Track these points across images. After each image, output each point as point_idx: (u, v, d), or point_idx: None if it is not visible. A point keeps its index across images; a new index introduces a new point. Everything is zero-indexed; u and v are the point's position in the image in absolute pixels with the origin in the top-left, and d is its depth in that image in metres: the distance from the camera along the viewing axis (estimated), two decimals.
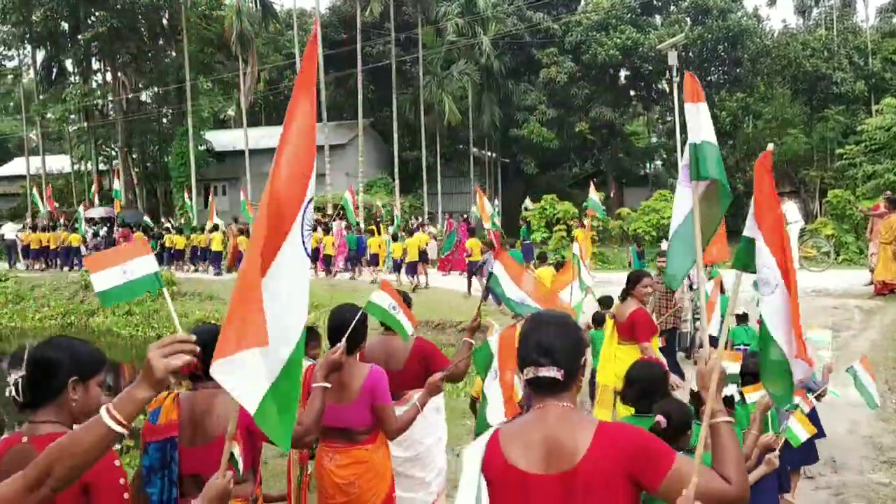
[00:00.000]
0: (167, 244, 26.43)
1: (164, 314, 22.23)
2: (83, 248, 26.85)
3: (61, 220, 30.14)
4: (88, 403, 2.49)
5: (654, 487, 2.08)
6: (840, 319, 12.49)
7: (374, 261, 21.60)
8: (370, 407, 3.71)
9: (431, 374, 4.11)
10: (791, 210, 20.16)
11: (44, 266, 27.88)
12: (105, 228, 28.81)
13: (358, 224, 25.19)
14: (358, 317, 3.75)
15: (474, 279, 18.00)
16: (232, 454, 2.43)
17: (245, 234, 25.05)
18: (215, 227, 26.17)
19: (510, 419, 2.44)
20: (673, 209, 2.92)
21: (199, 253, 25.83)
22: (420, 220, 27.71)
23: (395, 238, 21.48)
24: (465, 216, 23.68)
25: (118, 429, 2.04)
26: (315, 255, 23.00)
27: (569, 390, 2.23)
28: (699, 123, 2.88)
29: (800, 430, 4.45)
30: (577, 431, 2.14)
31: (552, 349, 2.20)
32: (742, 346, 8.19)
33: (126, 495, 2.51)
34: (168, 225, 29.73)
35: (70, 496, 2.32)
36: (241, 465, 2.73)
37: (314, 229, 23.70)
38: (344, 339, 3.51)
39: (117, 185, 30.47)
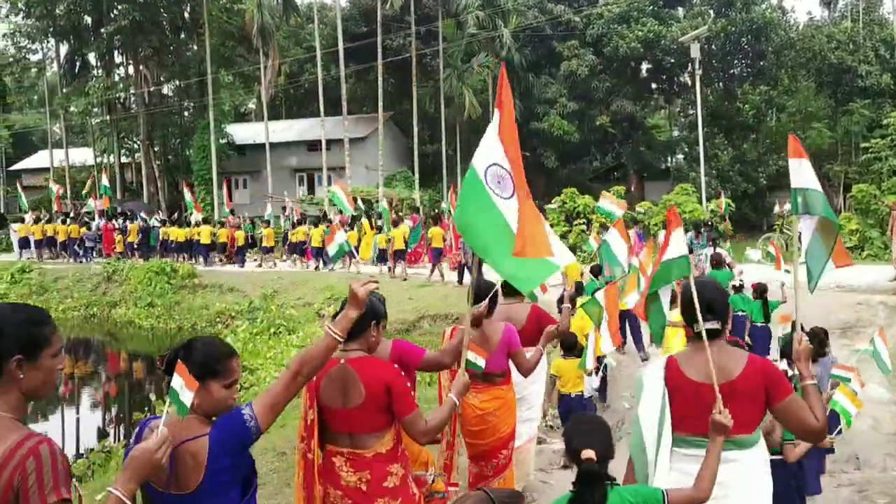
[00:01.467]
0: (163, 237, 26.86)
1: (184, 306, 22.41)
2: (86, 241, 27.57)
3: (71, 213, 30.63)
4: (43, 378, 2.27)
5: (775, 402, 3.15)
6: (864, 315, 12.35)
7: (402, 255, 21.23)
8: (507, 354, 4.87)
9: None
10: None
11: (52, 256, 28.43)
12: (104, 221, 29.24)
13: (365, 213, 25.33)
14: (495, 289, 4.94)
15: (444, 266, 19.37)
16: (468, 359, 3.81)
17: (239, 229, 25.90)
18: (206, 221, 27.00)
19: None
20: (803, 239, 3.87)
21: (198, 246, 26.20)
22: (401, 212, 27.60)
23: (379, 230, 22.00)
24: (437, 211, 23.57)
25: (338, 338, 2.90)
26: (301, 248, 23.88)
27: (723, 336, 3.31)
28: (802, 176, 3.83)
29: (848, 405, 4.70)
30: (734, 359, 3.24)
31: (717, 304, 3.29)
32: (740, 313, 8.93)
33: (413, 394, 3.52)
34: (164, 218, 29.96)
35: (380, 391, 3.37)
36: (482, 364, 4.00)
37: (301, 223, 24.82)
38: (487, 300, 4.78)
39: (105, 180, 30.80)
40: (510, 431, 5.01)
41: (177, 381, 2.49)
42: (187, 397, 2.48)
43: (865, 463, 6.97)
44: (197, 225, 26.37)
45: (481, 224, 3.58)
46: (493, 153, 3.78)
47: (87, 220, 29.27)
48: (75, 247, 27.90)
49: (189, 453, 2.58)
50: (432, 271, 19.37)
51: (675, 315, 5.16)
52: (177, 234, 26.35)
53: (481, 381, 4.78)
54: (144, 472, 2.30)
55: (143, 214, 30.14)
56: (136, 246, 27.05)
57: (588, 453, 2.70)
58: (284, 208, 28.77)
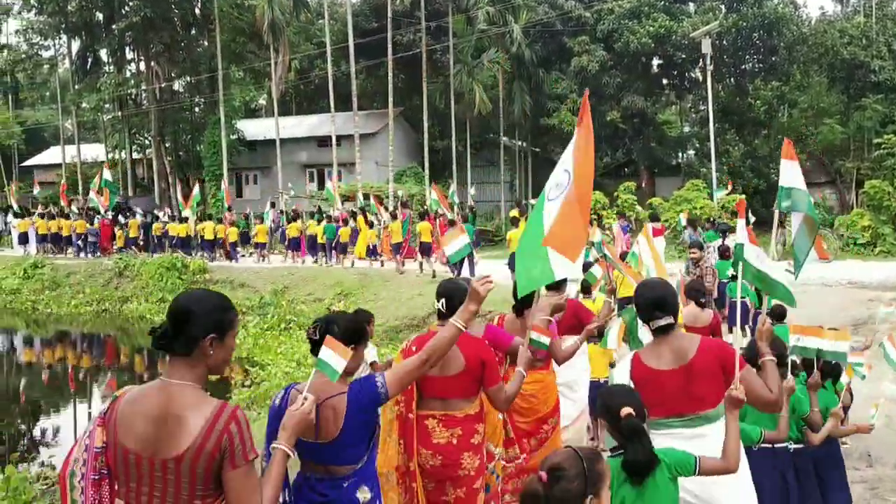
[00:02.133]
0: (169, 232, 27.15)
1: None
2: (90, 236, 27.93)
3: (73, 208, 30.98)
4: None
5: (733, 376, 3.36)
6: (877, 312, 12.27)
7: (344, 248, 22.64)
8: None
9: (583, 324, 5.77)
10: None
11: (58, 251, 28.82)
12: (110, 216, 29.60)
13: (361, 209, 25.62)
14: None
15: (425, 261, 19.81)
16: (532, 338, 4.37)
17: (235, 226, 26.28)
18: (209, 217, 27.85)
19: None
20: (794, 233, 4.37)
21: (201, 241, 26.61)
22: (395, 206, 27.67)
23: (371, 225, 22.95)
24: (424, 207, 23.98)
25: (462, 328, 3.32)
26: (297, 243, 24.52)
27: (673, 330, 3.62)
28: (791, 176, 4.33)
29: (838, 345, 4.72)
30: (688, 343, 3.58)
31: (668, 305, 3.61)
32: (745, 299, 9.30)
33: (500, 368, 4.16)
34: (172, 214, 30.25)
35: (476, 363, 3.91)
36: (545, 341, 4.57)
37: (295, 219, 25.20)
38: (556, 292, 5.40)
39: (107, 174, 30.89)
40: (550, 410, 5.46)
41: (326, 353, 2.98)
42: (339, 365, 2.98)
43: (878, 460, 6.94)
44: (186, 221, 26.94)
45: (529, 225, 4.46)
46: (565, 160, 4.47)
47: (91, 215, 29.51)
48: (79, 242, 28.27)
49: (331, 408, 3.13)
50: (421, 266, 19.86)
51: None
52: (177, 229, 26.69)
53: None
54: (301, 430, 2.80)
55: (139, 210, 30.55)
56: (136, 242, 27.57)
57: (626, 410, 3.05)
58: (273, 204, 29.06)
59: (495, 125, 38.12)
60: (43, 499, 6.75)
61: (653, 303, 3.59)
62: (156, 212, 30.63)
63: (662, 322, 3.55)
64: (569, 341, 5.58)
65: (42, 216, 29.41)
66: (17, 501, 7.12)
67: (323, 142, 38.24)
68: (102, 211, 28.83)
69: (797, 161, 4.37)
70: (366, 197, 27.97)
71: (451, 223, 18.36)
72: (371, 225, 23.06)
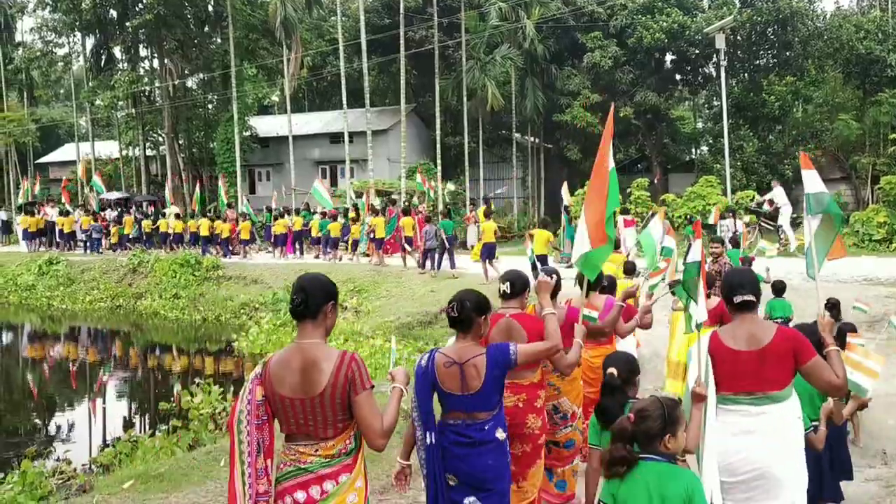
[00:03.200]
0: (162, 228, 28.27)
1: (209, 297, 22.62)
2: (93, 232, 28.96)
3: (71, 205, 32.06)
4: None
5: (802, 363, 3.93)
6: (893, 308, 12.18)
7: (335, 243, 23.58)
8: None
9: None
10: (779, 195, 20.98)
11: (66, 247, 29.81)
12: (117, 212, 30.78)
13: (350, 208, 26.24)
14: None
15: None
16: (584, 314, 5.22)
17: (247, 219, 27.17)
18: (204, 213, 28.90)
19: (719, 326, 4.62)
20: (805, 235, 4.98)
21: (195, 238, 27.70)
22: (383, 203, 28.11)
23: (354, 221, 23.98)
24: (407, 202, 24.52)
25: (554, 312, 4.49)
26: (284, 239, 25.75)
27: (755, 309, 4.18)
28: (813, 183, 4.82)
29: (863, 380, 4.82)
30: (765, 329, 4.06)
31: (747, 284, 4.17)
32: (779, 319, 8.91)
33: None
34: (177, 211, 30.78)
35: (538, 338, 4.42)
36: (595, 316, 5.72)
37: (282, 215, 26.42)
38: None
39: (96, 178, 33.65)
40: None
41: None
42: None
43: (893, 458, 6.91)
44: (178, 217, 28.43)
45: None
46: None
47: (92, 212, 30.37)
48: (83, 237, 29.22)
49: (473, 366, 4.03)
50: (405, 259, 21.04)
51: (678, 304, 6.58)
52: (176, 226, 27.75)
53: (589, 339, 5.95)
54: (407, 381, 3.66)
55: (128, 207, 31.52)
56: (129, 238, 28.73)
57: (611, 370, 4.08)
58: (269, 207, 29.59)
59: (508, 121, 38.06)
60: (59, 493, 6.81)
61: (737, 283, 4.16)
62: (133, 207, 31.70)
63: (743, 298, 4.10)
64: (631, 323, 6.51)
65: (31, 213, 30.64)
66: (33, 496, 7.18)
67: (335, 138, 38.32)
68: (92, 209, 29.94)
69: (814, 169, 4.90)
70: (358, 195, 28.44)
71: (428, 219, 20.16)
72: (354, 221, 24.00)
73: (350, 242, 23.75)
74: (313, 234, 24.69)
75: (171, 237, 27.66)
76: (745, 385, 3.91)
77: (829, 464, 5.16)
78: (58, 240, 29.72)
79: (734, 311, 4.16)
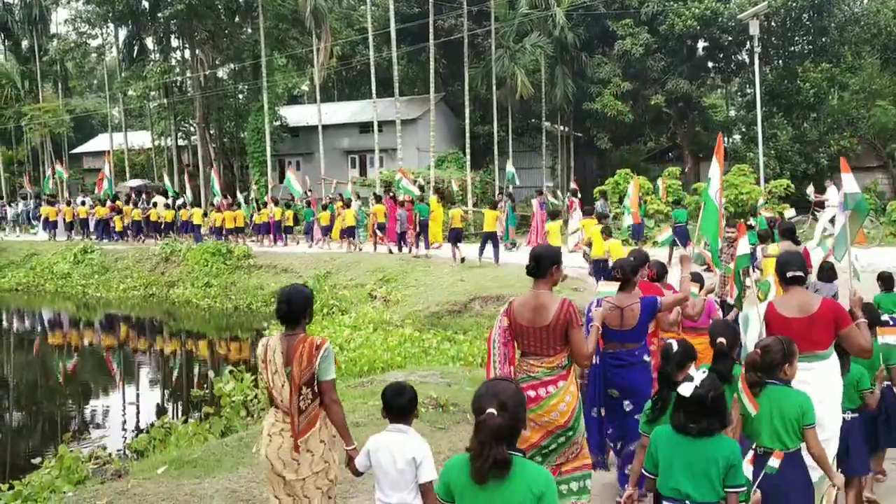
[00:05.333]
0: (153, 217, 29.50)
1: (240, 286, 22.82)
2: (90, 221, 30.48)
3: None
4: None
5: (841, 329, 4.79)
6: None
7: (351, 232, 23.97)
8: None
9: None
10: (832, 195, 21.15)
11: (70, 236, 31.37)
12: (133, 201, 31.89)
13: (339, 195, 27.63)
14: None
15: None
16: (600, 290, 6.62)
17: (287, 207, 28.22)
18: (196, 203, 30.60)
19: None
20: (837, 224, 6.67)
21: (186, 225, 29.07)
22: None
23: (325, 208, 25.82)
24: (392, 194, 25.07)
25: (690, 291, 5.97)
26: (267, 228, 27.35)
27: (804, 283, 5.10)
28: (850, 185, 6.26)
29: None
30: (813, 300, 4.96)
31: (797, 263, 5.09)
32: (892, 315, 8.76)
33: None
34: (186, 200, 31.71)
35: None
36: (696, 294, 6.78)
37: (266, 205, 28.05)
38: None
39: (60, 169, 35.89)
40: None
41: (605, 288, 6.20)
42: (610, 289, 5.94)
43: None
44: (166, 207, 29.87)
45: (711, 221, 6.44)
46: (714, 182, 6.49)
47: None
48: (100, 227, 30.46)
49: (630, 309, 5.62)
50: (374, 245, 23.15)
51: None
52: (168, 215, 29.41)
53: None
54: (602, 321, 5.37)
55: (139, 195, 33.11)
56: (128, 227, 30.06)
57: (721, 339, 4.59)
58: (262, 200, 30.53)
59: (537, 110, 37.82)
60: (95, 477, 6.91)
61: (789, 261, 5.11)
62: (155, 198, 32.65)
63: (794, 274, 5.02)
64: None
65: (52, 203, 32.12)
66: (70, 480, 7.31)
67: (364, 128, 38.36)
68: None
69: (851, 172, 6.27)
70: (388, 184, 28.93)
71: (401, 204, 22.23)
72: (325, 207, 25.77)
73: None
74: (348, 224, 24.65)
75: (162, 226, 29.27)
76: (799, 346, 4.51)
77: (885, 424, 5.80)
78: (80, 229, 31.24)
79: (787, 285, 5.09)
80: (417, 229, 21.35)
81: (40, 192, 40.30)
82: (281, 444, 4.24)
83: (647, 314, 5.62)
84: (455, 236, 19.59)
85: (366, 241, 24.43)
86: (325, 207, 26.01)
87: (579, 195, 24.89)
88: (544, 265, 4.85)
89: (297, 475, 4.25)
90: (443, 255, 20.71)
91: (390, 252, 22.27)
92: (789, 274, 5.03)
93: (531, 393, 4.67)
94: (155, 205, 30.62)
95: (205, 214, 29.04)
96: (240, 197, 32.26)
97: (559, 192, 27.51)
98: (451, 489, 3.01)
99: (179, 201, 31.24)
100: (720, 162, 6.46)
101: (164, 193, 33.27)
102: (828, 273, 9.47)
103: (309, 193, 29.67)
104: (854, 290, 5.46)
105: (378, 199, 24.04)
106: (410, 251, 21.74)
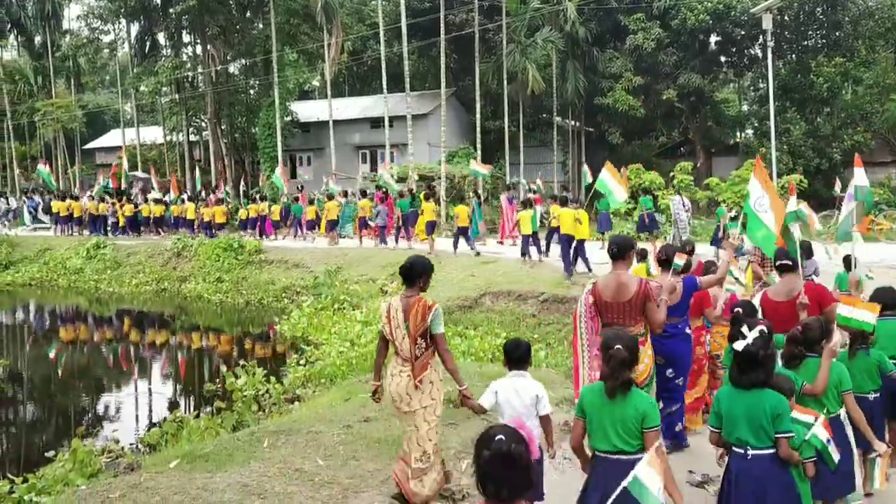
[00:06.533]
0: (145, 213, 30.27)
1: (251, 281, 22.87)
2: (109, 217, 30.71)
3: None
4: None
5: (824, 307, 5.71)
6: None
7: (312, 226, 25.88)
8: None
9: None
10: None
11: (73, 231, 31.63)
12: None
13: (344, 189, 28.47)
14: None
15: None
16: (732, 272, 8.14)
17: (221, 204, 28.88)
18: (192, 198, 30.72)
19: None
20: (842, 212, 7.96)
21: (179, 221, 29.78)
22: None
23: (310, 203, 26.98)
24: (384, 189, 25.75)
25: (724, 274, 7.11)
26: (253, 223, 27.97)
27: (796, 271, 6.05)
28: (860, 177, 7.47)
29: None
30: (795, 285, 5.90)
31: (786, 255, 6.10)
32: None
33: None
34: (185, 196, 32.19)
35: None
36: (743, 280, 9.11)
37: (255, 201, 28.84)
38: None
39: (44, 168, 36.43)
40: None
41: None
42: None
43: None
44: (183, 202, 30.30)
45: (759, 228, 6.75)
46: (755, 192, 6.83)
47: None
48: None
49: (673, 287, 6.43)
50: (360, 239, 23.93)
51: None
52: (156, 210, 30.13)
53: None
54: (667, 294, 6.27)
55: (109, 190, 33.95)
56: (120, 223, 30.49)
57: (738, 308, 5.45)
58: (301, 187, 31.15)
59: (548, 105, 37.74)
60: (108, 471, 6.96)
61: (779, 254, 6.07)
62: (151, 194, 33.29)
63: (781, 262, 6.03)
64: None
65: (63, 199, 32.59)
66: (83, 473, 7.36)
67: (375, 123, 38.39)
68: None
69: (863, 167, 7.34)
70: (420, 178, 28.70)
71: (382, 199, 23.52)
72: (311, 202, 26.88)
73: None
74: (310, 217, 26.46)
75: (152, 221, 29.99)
76: (786, 327, 5.15)
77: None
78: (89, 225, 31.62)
79: (779, 273, 6.14)
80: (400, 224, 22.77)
81: (36, 187, 40.58)
82: (400, 382, 5.37)
83: (688, 292, 6.65)
84: (431, 228, 21.07)
85: (353, 235, 25.35)
86: (310, 202, 27.05)
87: (542, 191, 26.98)
88: (623, 250, 5.82)
89: (409, 408, 5.38)
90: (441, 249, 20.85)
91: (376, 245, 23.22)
92: (777, 263, 5.93)
93: None
94: (146, 200, 31.07)
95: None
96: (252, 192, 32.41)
97: (539, 182, 27.95)
98: (584, 408, 4.19)
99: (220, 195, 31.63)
100: (760, 180, 6.92)
101: (144, 190, 34.17)
102: (806, 251, 9.94)
103: (299, 189, 30.47)
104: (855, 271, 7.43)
105: (364, 194, 25.37)
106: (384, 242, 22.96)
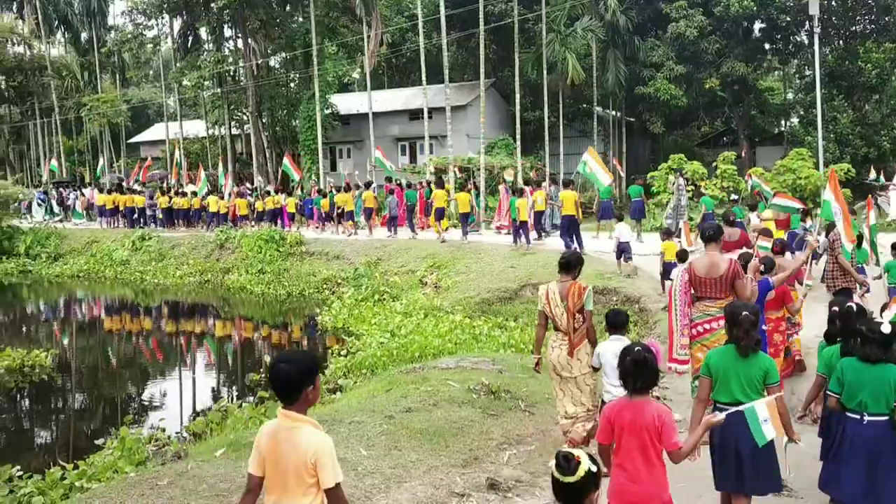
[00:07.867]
0: (162, 205, 30.85)
1: (293, 272, 23.09)
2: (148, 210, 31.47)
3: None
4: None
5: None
6: None
7: (328, 217, 26.33)
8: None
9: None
10: None
11: (118, 224, 32.27)
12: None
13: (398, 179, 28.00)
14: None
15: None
16: (760, 245, 10.28)
17: (242, 197, 29.50)
18: (211, 192, 30.89)
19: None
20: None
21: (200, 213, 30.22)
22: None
23: (323, 195, 27.16)
24: (398, 181, 26.67)
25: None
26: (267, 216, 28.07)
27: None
28: None
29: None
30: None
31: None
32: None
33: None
34: (194, 189, 32.47)
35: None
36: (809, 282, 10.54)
37: (268, 193, 29.26)
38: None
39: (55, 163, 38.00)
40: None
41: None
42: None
43: None
44: (195, 195, 30.78)
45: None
46: (831, 202, 8.63)
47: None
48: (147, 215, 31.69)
49: (753, 285, 7.44)
50: (370, 229, 24.76)
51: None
52: (182, 203, 30.57)
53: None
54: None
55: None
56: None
57: (850, 306, 6.01)
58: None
59: (588, 95, 37.41)
60: (155, 459, 7.09)
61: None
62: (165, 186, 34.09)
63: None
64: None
65: (100, 190, 33.75)
66: (131, 461, 7.52)
67: (415, 115, 38.41)
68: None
69: None
70: (459, 170, 28.59)
71: (391, 192, 24.50)
72: (324, 194, 27.19)
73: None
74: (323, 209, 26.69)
75: (179, 214, 30.61)
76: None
77: None
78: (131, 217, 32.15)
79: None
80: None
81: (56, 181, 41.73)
82: (560, 354, 6.51)
83: (763, 293, 7.70)
84: (440, 215, 22.11)
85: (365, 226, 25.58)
86: (323, 195, 27.23)
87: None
88: (717, 234, 7.22)
89: (570, 374, 6.51)
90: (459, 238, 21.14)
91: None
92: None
93: (706, 326, 6.97)
94: (184, 194, 31.32)
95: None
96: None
97: (510, 177, 28.14)
98: (711, 369, 4.80)
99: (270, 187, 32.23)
100: (833, 190, 8.16)
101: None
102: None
103: (312, 182, 31.60)
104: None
105: (367, 185, 26.55)
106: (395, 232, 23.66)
